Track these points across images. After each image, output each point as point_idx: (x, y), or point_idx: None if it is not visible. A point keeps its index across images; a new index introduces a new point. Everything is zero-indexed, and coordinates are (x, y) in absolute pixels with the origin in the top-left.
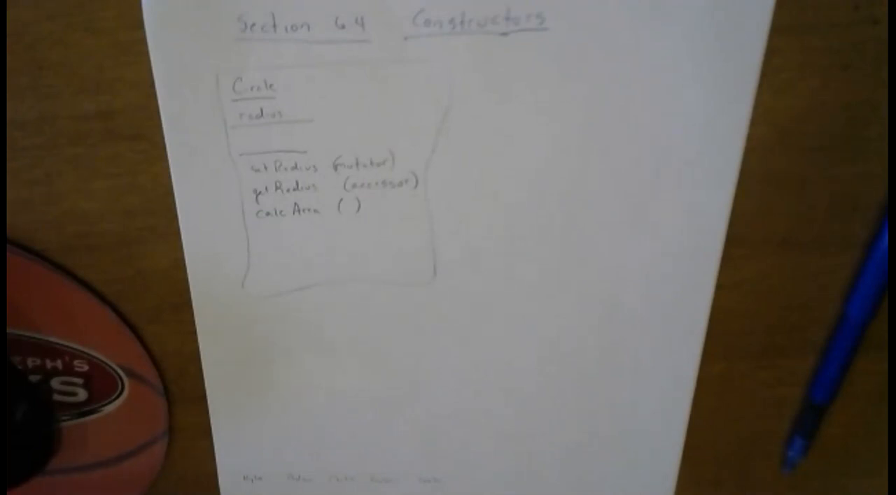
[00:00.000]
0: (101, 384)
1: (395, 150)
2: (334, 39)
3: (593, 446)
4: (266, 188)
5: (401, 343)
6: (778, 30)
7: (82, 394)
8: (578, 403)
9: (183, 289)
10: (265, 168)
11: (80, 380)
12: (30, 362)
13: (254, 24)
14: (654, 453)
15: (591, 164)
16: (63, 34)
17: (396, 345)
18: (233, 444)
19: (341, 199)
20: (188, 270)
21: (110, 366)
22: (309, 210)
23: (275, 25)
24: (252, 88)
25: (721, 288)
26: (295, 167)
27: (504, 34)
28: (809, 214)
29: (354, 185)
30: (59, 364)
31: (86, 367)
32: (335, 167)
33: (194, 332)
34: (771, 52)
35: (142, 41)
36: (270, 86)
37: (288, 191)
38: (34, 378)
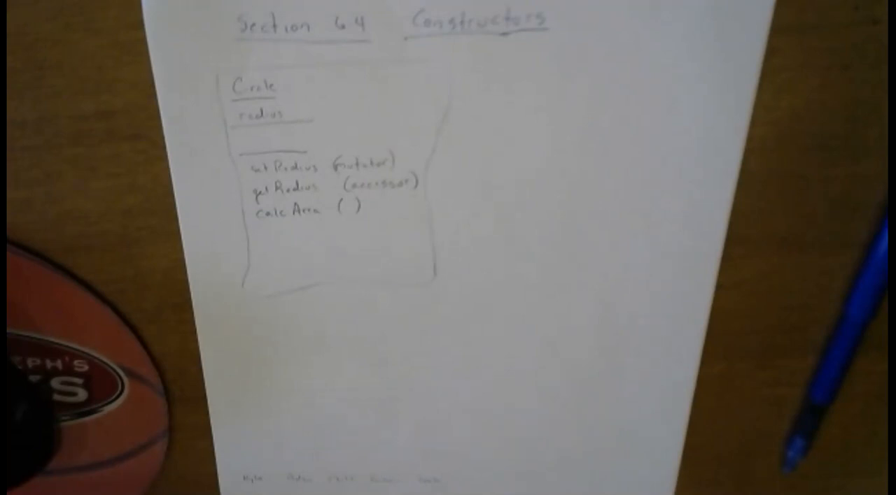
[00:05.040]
0: (101, 384)
1: (395, 150)
2: (334, 39)
3: (593, 446)
4: (266, 188)
5: (401, 343)
6: (778, 30)
7: (82, 394)
8: (578, 403)
9: (183, 289)
10: (265, 168)
11: (80, 380)
12: (30, 362)
13: (254, 24)
14: (654, 453)
15: (590, 164)
16: (63, 34)
17: (396, 344)
18: (233, 444)
19: (341, 199)
20: (188, 270)
21: (110, 366)
22: (309, 210)
23: (275, 25)
24: (252, 88)
25: (721, 288)
26: (295, 167)
27: (504, 34)
28: (809, 214)
29: (354, 185)
30: (59, 364)
31: (86, 367)
32: (335, 167)
33: (194, 332)
34: (771, 52)
35: (142, 41)
36: (270, 86)
37: (288, 191)
38: (34, 378)
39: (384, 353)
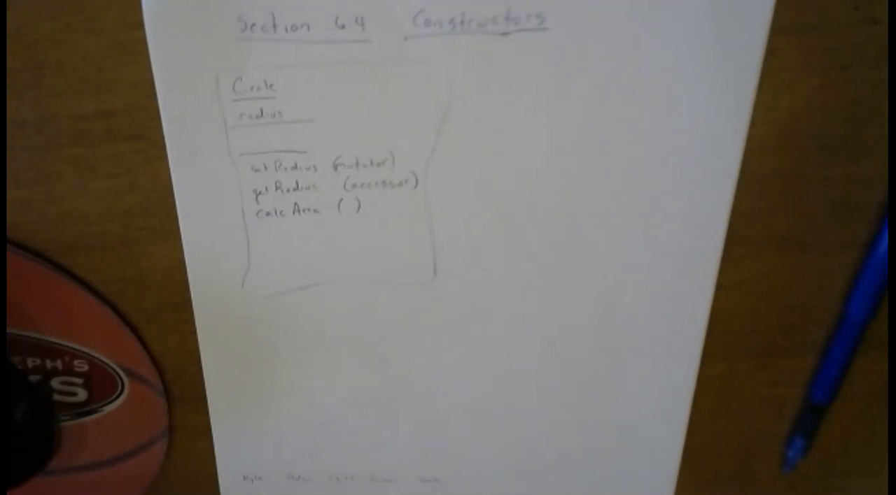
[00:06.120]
0: (101, 384)
1: (395, 150)
2: (334, 39)
3: (593, 446)
4: (266, 188)
5: (401, 343)
6: (778, 30)
7: (82, 394)
8: (578, 403)
9: (183, 289)
10: (265, 168)
11: (80, 380)
12: (30, 362)
13: (254, 24)
14: (654, 453)
15: (590, 164)
16: (63, 34)
17: (396, 345)
18: (233, 444)
19: (341, 199)
20: (188, 270)
21: (110, 366)
22: (309, 210)
23: (275, 25)
24: (252, 88)
25: (721, 288)
26: (295, 167)
27: (504, 34)
28: (809, 214)
29: (354, 185)
30: (59, 364)
31: (86, 367)
32: (335, 167)
33: (194, 332)
34: (771, 52)
35: (142, 41)
36: (270, 86)
37: (288, 191)
38: (34, 378)
39: (384, 353)
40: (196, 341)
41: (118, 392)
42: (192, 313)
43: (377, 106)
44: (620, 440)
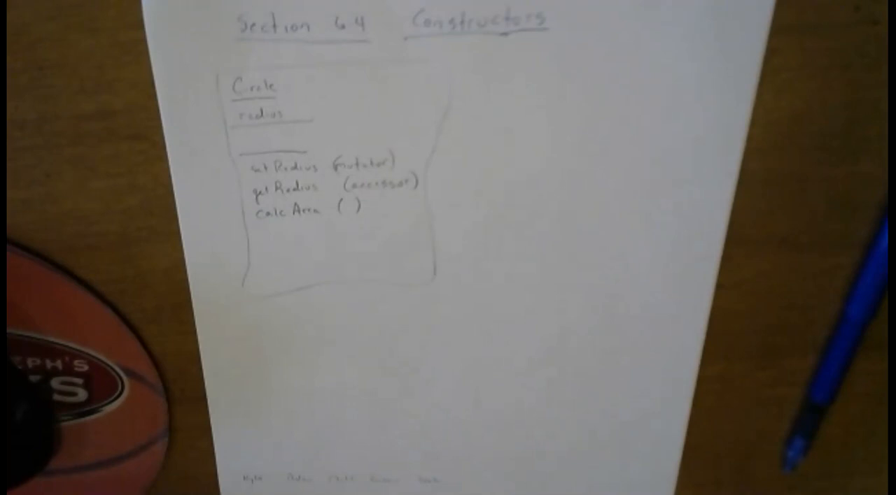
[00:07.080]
0: (101, 384)
1: (395, 150)
2: (334, 39)
3: (593, 446)
4: (266, 188)
5: (401, 342)
6: (778, 30)
7: (82, 394)
8: (578, 403)
9: (183, 289)
10: (265, 168)
11: (80, 380)
12: (30, 362)
13: (254, 24)
14: (654, 453)
15: (590, 164)
16: (63, 34)
17: (396, 344)
18: (233, 444)
19: (341, 199)
20: (188, 270)
21: (110, 366)
22: (309, 210)
23: (275, 25)
24: (252, 88)
25: (721, 288)
26: (295, 167)
27: (504, 34)
28: (809, 214)
29: (354, 185)
30: (59, 364)
31: (86, 367)
32: (335, 167)
33: (194, 332)
34: (771, 52)
35: (142, 41)
36: (270, 86)
37: (288, 191)
38: (34, 378)
39: (384, 353)
40: (196, 341)
41: (118, 392)
42: (192, 313)
43: (377, 106)
44: (620, 440)
